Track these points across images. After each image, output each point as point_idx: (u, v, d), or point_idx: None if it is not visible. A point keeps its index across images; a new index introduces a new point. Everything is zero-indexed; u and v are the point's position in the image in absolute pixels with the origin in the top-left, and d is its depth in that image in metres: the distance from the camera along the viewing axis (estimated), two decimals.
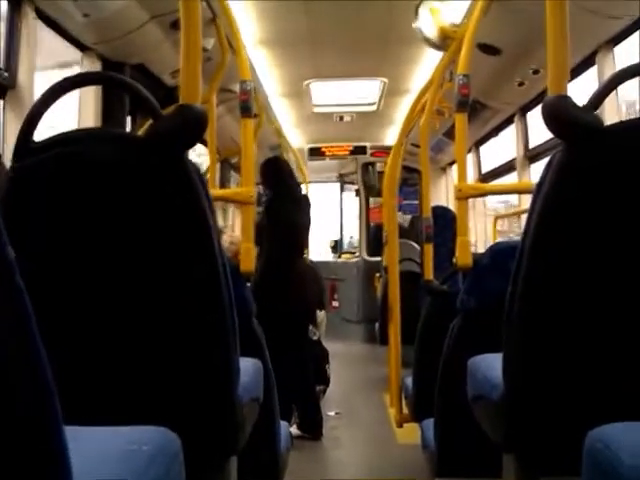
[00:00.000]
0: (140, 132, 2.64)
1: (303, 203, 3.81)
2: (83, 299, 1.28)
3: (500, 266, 1.91)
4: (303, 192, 4.11)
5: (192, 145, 1.30)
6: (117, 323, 1.28)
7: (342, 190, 8.70)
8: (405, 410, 3.28)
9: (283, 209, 3.61)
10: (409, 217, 6.57)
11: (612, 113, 2.92)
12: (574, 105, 1.15)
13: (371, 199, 8.00)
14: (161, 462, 0.88)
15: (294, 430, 3.53)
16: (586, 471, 0.91)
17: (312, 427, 3.65)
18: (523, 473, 1.41)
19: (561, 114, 1.16)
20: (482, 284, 2.04)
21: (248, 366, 1.64)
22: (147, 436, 0.91)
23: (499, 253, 2.03)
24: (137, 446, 0.86)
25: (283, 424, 2.24)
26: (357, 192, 8.10)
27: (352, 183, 8.35)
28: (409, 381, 2.99)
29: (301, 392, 3.67)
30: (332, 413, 4.17)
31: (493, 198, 5.88)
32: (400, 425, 3.39)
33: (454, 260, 2.26)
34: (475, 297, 2.06)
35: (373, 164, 7.78)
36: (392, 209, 4.08)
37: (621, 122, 1.22)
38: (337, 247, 8.59)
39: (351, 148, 7.29)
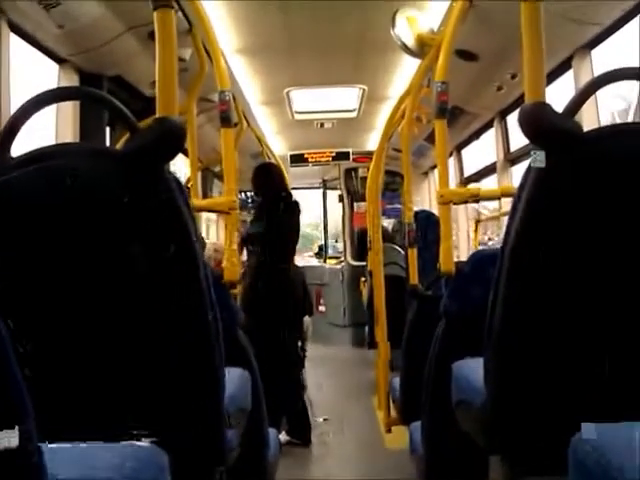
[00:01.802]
0: (119, 145, 2.62)
1: (293, 209, 3.79)
2: (64, 314, 1.26)
3: (481, 273, 1.92)
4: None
5: (171, 158, 1.29)
6: (99, 337, 1.27)
7: (325, 196, 8.71)
8: (393, 413, 3.28)
9: (273, 215, 3.59)
10: (392, 221, 6.60)
11: (591, 119, 2.95)
12: (552, 112, 1.15)
13: (355, 204, 8.02)
14: (147, 477, 0.87)
15: (283, 436, 3.52)
16: (572, 472, 0.91)
17: (301, 433, 3.65)
18: (509, 474, 1.42)
19: (538, 121, 1.16)
20: (464, 290, 2.05)
21: (235, 376, 1.63)
22: (134, 451, 0.90)
23: (480, 261, 2.04)
24: (124, 461, 0.85)
25: (272, 431, 2.24)
26: (340, 198, 8.12)
27: (335, 189, 8.36)
28: (397, 383, 3.00)
29: (289, 399, 3.67)
30: (320, 419, 4.16)
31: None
32: (388, 429, 3.39)
33: (438, 266, 2.27)
34: (457, 303, 2.07)
35: (356, 169, 7.81)
36: (376, 214, 4.09)
37: (600, 128, 1.23)
38: (322, 252, 8.60)
39: (333, 154, 7.30)
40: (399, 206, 7.14)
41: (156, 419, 1.28)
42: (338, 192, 8.17)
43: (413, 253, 3.04)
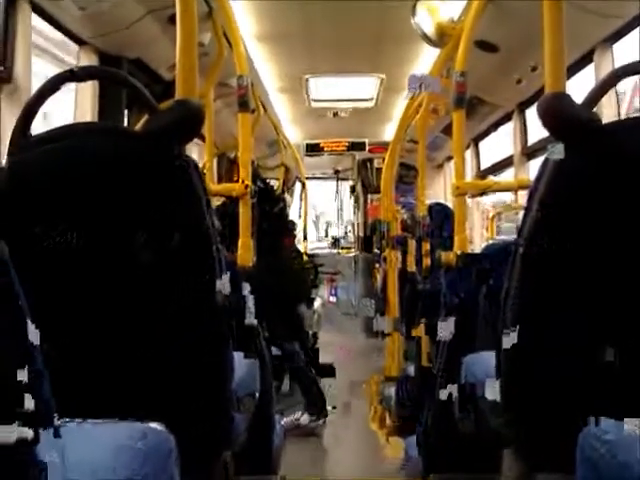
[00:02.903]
0: (137, 127, 2.63)
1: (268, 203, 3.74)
2: (79, 294, 1.27)
3: (497, 266, 1.91)
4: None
5: (190, 140, 1.30)
6: (112, 319, 1.28)
7: (338, 186, 8.71)
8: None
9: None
10: (407, 214, 6.58)
11: (610, 111, 2.92)
12: (571, 103, 1.15)
13: (369, 196, 8.01)
14: (155, 459, 0.88)
15: (305, 417, 3.57)
16: (580, 467, 0.91)
17: (318, 410, 3.71)
18: (521, 469, 1.42)
19: (557, 112, 1.15)
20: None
21: (244, 361, 1.64)
22: (142, 433, 0.91)
23: (495, 253, 2.04)
24: (132, 442, 0.86)
25: (277, 417, 2.26)
26: (352, 188, 8.10)
27: (347, 179, 8.35)
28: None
29: (305, 380, 3.73)
30: (329, 408, 4.18)
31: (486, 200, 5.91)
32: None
33: (437, 255, 2.27)
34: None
35: (371, 160, 7.79)
36: (390, 205, 4.08)
37: (619, 120, 1.22)
38: (337, 242, 8.63)
39: (347, 144, 7.28)
40: (412, 201, 7.13)
41: (166, 401, 1.29)
42: (350, 183, 8.17)
43: (412, 243, 3.05)
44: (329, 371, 4.41)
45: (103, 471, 0.76)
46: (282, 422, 2.98)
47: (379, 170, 6.91)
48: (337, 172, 8.57)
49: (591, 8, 2.67)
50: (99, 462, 0.79)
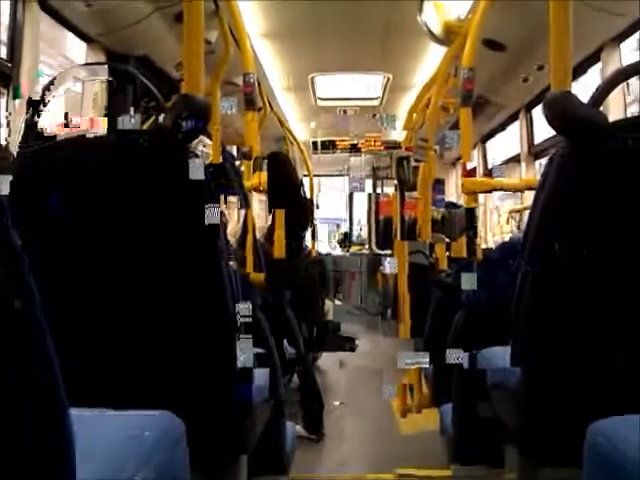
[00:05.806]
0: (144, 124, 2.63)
1: (295, 204, 3.71)
2: (89, 287, 1.28)
3: (507, 263, 1.91)
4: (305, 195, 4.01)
5: (196, 135, 1.30)
6: (124, 314, 1.28)
7: (348, 184, 8.71)
8: (409, 400, 3.30)
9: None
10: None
11: (617, 109, 2.91)
12: (577, 101, 1.14)
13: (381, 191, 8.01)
14: (165, 447, 0.88)
15: (299, 429, 3.52)
16: (587, 464, 0.91)
17: (315, 425, 3.64)
18: (525, 464, 1.42)
19: (563, 110, 1.15)
20: (488, 279, 2.04)
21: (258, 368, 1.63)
22: (151, 421, 0.91)
23: (508, 249, 2.03)
24: (141, 431, 0.86)
25: (289, 424, 2.25)
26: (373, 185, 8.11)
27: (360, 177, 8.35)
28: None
29: (306, 389, 3.68)
30: (337, 403, 4.17)
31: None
32: (404, 415, 3.40)
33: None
34: (481, 291, 2.07)
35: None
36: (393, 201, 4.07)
37: (625, 119, 1.21)
38: (345, 240, 8.61)
39: (354, 142, 7.27)
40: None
41: (182, 404, 1.28)
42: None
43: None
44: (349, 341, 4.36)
45: (112, 461, 0.76)
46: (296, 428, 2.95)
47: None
48: (347, 169, 8.58)
49: (599, 6, 2.66)
50: (108, 452, 0.78)
